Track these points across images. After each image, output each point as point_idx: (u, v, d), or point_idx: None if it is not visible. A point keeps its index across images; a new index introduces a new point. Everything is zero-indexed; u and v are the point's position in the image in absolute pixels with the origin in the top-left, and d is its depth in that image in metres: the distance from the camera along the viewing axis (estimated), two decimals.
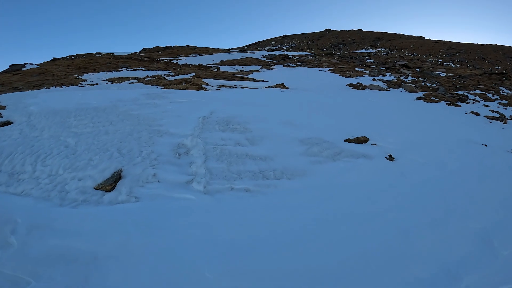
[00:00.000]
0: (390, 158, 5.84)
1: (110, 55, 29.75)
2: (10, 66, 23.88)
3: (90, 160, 4.96)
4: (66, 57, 33.04)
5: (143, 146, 5.31)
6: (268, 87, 12.28)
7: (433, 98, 12.61)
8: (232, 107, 7.58)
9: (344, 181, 4.54)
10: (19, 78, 17.52)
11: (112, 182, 4.37)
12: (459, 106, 12.09)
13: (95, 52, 35.38)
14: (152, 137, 5.69)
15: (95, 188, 4.37)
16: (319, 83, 13.96)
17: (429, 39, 58.31)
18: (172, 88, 11.12)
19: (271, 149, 5.25)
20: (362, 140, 6.34)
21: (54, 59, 32.38)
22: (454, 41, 54.33)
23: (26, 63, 22.98)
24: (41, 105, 8.19)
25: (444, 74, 20.39)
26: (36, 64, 23.43)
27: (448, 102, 12.33)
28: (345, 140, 6.23)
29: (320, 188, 4.21)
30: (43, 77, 17.36)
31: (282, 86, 12.20)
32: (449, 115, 10.44)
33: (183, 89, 10.95)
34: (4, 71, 21.56)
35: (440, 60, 38.16)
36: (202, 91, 10.62)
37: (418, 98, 12.38)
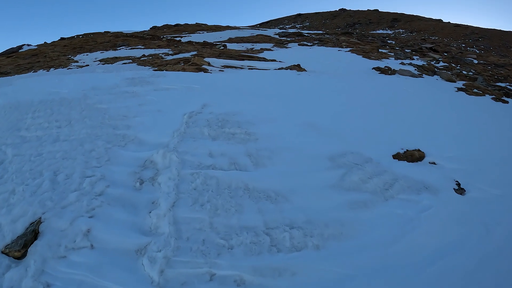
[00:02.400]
0: (459, 189, 3.78)
1: (115, 33, 27.13)
2: (17, 47, 21.88)
3: (12, 192, 3.16)
4: (73, 36, 30.60)
5: (91, 167, 3.36)
6: (282, 68, 10.01)
7: (475, 91, 10.20)
8: (233, 98, 5.46)
9: (409, 252, 2.50)
10: (10, 61, 15.62)
11: (20, 248, 2.46)
12: (507, 102, 9.70)
13: (103, 31, 32.74)
14: (111, 148, 3.73)
15: (2, 252, 2.49)
16: (341, 65, 11.58)
17: (448, 22, 53.78)
18: (166, 70, 8.96)
19: (285, 177, 3.19)
20: (417, 157, 4.22)
21: (62, 39, 30.02)
22: (475, 25, 49.93)
23: (24, 45, 20.91)
24: (9, 96, 6.51)
25: (476, 61, 17.63)
26: (35, 45, 21.32)
27: (494, 96, 9.93)
28: (394, 157, 4.12)
29: (372, 279, 2.17)
30: (34, 59, 15.37)
31: (298, 67, 9.92)
32: (501, 114, 8.10)
33: (179, 70, 8.78)
34: (0, 54, 19.53)
35: (463, 45, 34.69)
36: (202, 72, 8.44)
37: (459, 89, 10.00)
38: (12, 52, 19.12)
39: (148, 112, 4.74)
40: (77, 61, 14.16)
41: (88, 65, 13.04)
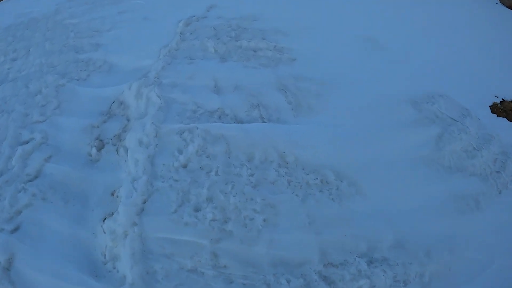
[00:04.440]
0: None
1: None
2: None
3: None
4: None
5: (30, 123, 2.08)
6: None
7: None
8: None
9: None
10: None
11: None
12: None
13: None
14: (64, 86, 2.39)
15: None
16: None
17: None
18: None
19: (349, 137, 1.77)
20: None
21: None
22: None
23: None
24: None
25: None
26: None
27: None
28: (492, 110, 2.67)
29: None
30: None
31: None
32: None
33: None
34: None
35: None
36: None
37: None
38: None
39: (129, 22, 3.18)
40: None
41: None
